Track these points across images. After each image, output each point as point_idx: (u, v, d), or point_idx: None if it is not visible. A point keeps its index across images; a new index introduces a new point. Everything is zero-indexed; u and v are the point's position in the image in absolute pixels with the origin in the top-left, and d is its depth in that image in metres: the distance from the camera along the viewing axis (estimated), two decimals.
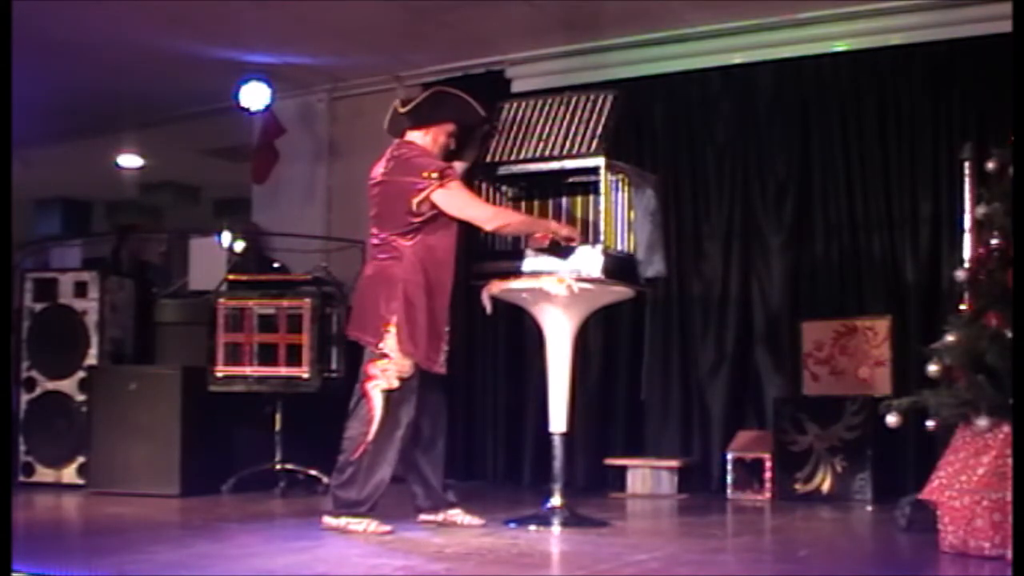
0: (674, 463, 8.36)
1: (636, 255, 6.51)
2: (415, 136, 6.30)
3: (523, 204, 6.66)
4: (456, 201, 6.10)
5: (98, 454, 8.15)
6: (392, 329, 6.03)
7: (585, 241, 6.36)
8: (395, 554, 5.30)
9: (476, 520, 6.28)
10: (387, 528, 6.00)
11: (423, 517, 6.35)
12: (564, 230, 6.35)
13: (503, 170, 6.55)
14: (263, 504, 7.54)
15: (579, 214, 6.48)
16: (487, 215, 6.20)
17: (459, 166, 6.44)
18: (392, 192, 6.14)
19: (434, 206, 6.06)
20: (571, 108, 6.51)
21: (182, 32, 8.90)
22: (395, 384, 6.01)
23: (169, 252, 10.82)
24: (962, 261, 6.16)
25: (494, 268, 6.46)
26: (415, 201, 6.05)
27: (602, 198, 6.29)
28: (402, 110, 6.30)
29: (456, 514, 6.30)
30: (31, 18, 7.95)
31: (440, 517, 6.30)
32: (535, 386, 8.11)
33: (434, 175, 6.04)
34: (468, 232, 6.41)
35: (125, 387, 8.13)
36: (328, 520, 6.07)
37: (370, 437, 6.01)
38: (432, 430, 6.32)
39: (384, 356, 6.04)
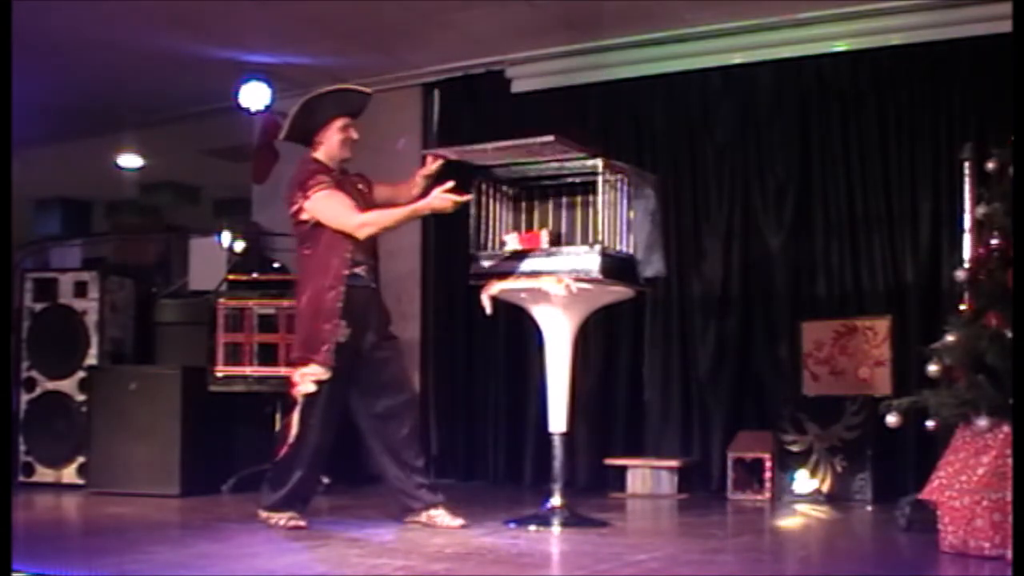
0: (674, 463, 8.35)
1: (635, 255, 6.51)
2: (314, 151, 6.46)
3: (523, 204, 6.66)
4: (322, 212, 6.27)
5: (98, 454, 8.15)
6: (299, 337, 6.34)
7: (584, 241, 6.39)
8: (395, 554, 5.31)
9: (457, 521, 6.28)
10: (302, 523, 6.23)
11: (408, 518, 6.39)
12: (436, 201, 6.28)
13: (502, 171, 6.57)
14: None
15: (578, 214, 6.47)
16: (354, 224, 6.27)
17: (382, 191, 6.64)
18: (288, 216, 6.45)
19: (313, 217, 6.27)
20: None
21: (182, 32, 8.89)
22: (311, 389, 6.23)
23: (169, 252, 10.81)
24: (962, 261, 6.16)
25: (493, 268, 6.46)
26: (292, 216, 6.35)
27: (599, 198, 6.29)
28: (280, 139, 6.49)
29: (438, 515, 6.31)
30: (31, 18, 7.94)
31: (423, 517, 6.33)
32: (535, 386, 8.11)
33: (298, 191, 6.27)
34: (465, 232, 6.48)
35: (125, 387, 8.13)
36: (259, 512, 6.35)
37: (290, 440, 6.27)
38: (398, 432, 6.38)
39: (303, 363, 6.30)
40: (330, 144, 6.40)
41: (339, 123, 6.41)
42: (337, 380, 6.23)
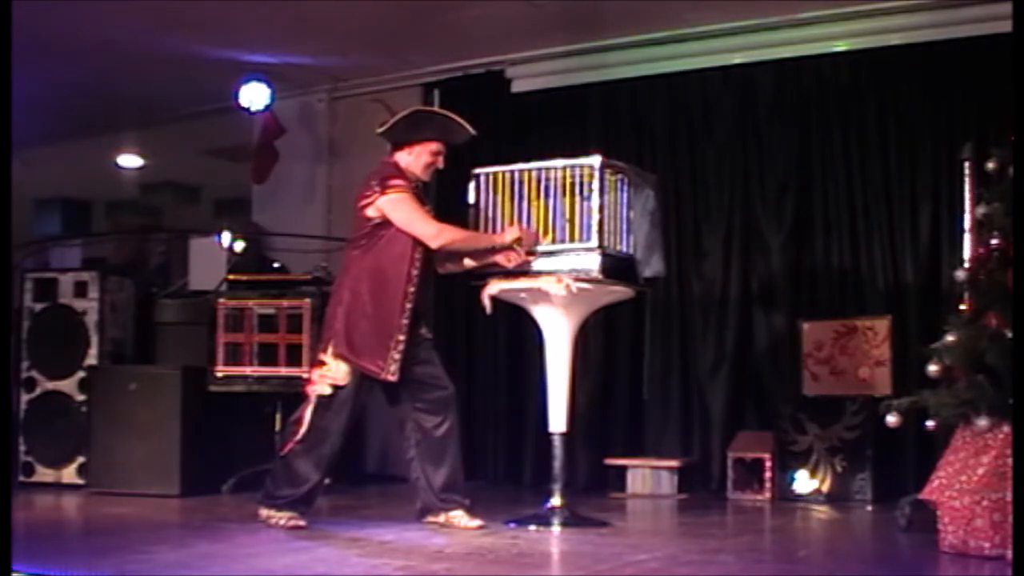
0: (674, 463, 8.35)
1: (635, 255, 6.51)
2: (399, 155, 6.44)
3: (524, 204, 6.63)
4: (399, 213, 6.23)
5: (98, 454, 8.14)
6: (332, 336, 6.25)
7: (584, 241, 6.38)
8: (395, 554, 5.31)
9: (475, 523, 6.26)
10: (302, 523, 6.21)
11: (427, 518, 6.37)
12: (510, 236, 6.38)
13: (502, 169, 6.56)
14: None
15: (577, 214, 6.46)
16: (431, 232, 6.25)
17: None
18: (355, 206, 6.36)
19: (382, 215, 6.23)
20: None
21: (182, 32, 8.89)
22: (327, 391, 6.21)
23: (169, 252, 10.81)
24: (962, 261, 6.16)
25: (493, 268, 6.46)
26: (360, 207, 6.27)
27: (595, 197, 6.29)
28: (378, 131, 6.41)
29: (457, 516, 6.29)
30: (32, 18, 7.94)
31: (442, 518, 6.31)
32: (535, 386, 8.11)
33: (376, 185, 6.22)
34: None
35: (125, 387, 8.12)
36: (259, 510, 6.32)
37: (297, 438, 6.25)
38: (436, 429, 6.34)
39: (322, 363, 6.25)
40: (417, 160, 6.39)
41: (435, 146, 6.41)
42: (357, 386, 6.23)
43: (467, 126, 6.51)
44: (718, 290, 8.66)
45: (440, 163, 6.48)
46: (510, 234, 6.36)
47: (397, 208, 6.20)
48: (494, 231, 6.51)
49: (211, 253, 9.19)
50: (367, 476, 9.17)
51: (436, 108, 6.75)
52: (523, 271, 6.37)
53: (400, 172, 6.32)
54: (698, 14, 8.50)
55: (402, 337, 6.16)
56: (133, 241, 11.46)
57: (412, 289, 6.23)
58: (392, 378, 6.15)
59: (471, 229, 6.54)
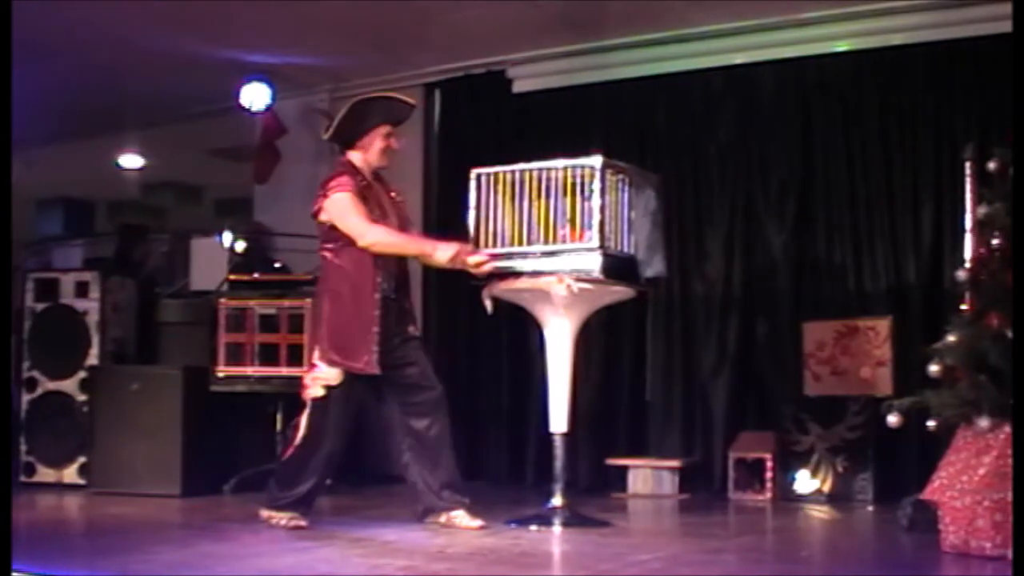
0: (675, 463, 8.35)
1: (636, 255, 6.50)
2: (351, 154, 6.45)
3: (525, 204, 6.62)
4: (334, 212, 6.24)
5: (100, 454, 8.15)
6: (319, 341, 6.26)
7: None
8: (397, 554, 5.31)
9: (476, 523, 6.26)
10: (303, 523, 6.22)
11: (429, 518, 6.36)
12: (442, 255, 6.30)
13: (503, 170, 6.55)
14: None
15: (578, 214, 6.45)
16: (360, 231, 6.20)
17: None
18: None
19: (329, 218, 6.27)
20: None
21: (184, 32, 8.89)
22: (320, 393, 6.20)
23: (171, 252, 10.80)
24: (963, 261, 6.15)
25: (494, 268, 6.45)
26: (314, 216, 6.32)
27: (595, 197, 6.28)
28: (325, 137, 6.45)
29: (458, 515, 6.29)
30: (33, 17, 7.94)
31: (443, 518, 6.31)
32: (537, 386, 8.10)
33: (320, 190, 6.28)
34: (465, 230, 6.50)
35: (127, 387, 8.12)
36: (261, 511, 6.34)
37: (297, 442, 6.27)
38: (428, 431, 6.34)
39: (313, 366, 6.26)
40: (371, 151, 6.39)
41: (383, 130, 6.40)
42: (350, 386, 6.22)
43: (408, 100, 6.57)
44: (720, 290, 8.65)
45: (395, 144, 6.48)
46: (442, 253, 6.28)
47: (333, 208, 6.22)
48: (495, 232, 6.48)
49: (213, 253, 9.19)
50: (369, 476, 9.16)
51: (372, 94, 6.73)
52: (523, 272, 6.35)
53: (347, 170, 6.33)
54: (700, 14, 8.49)
55: (376, 328, 6.16)
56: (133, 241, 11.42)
57: (379, 280, 6.22)
58: (374, 370, 6.15)
59: (471, 229, 6.52)
